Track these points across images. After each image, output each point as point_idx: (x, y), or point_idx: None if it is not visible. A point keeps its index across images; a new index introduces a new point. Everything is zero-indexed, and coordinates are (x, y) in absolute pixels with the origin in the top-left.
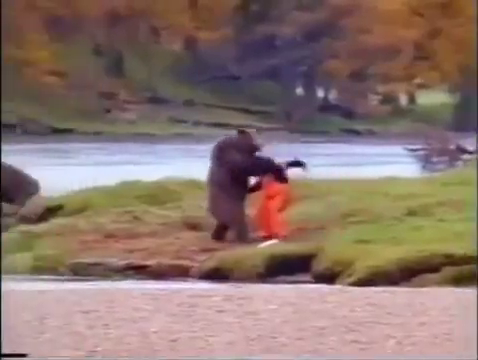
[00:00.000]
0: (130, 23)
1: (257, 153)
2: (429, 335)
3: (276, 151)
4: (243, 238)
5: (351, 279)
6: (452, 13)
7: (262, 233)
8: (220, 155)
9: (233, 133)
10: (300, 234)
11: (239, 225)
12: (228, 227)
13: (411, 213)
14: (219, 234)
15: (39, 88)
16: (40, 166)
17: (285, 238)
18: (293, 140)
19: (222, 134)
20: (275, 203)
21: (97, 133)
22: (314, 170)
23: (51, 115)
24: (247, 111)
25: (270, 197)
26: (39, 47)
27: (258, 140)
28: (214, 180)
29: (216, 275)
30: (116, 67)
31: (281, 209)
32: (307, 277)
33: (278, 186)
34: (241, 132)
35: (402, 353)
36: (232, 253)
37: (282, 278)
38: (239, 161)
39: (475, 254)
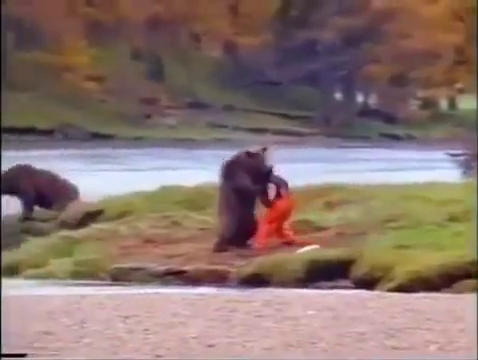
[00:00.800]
0: (170, 28)
1: (264, 172)
2: (469, 341)
3: (314, 155)
4: (218, 248)
5: (391, 285)
6: None
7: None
8: (226, 174)
9: (274, 138)
10: (340, 239)
11: (221, 236)
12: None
13: (452, 219)
14: (221, 246)
15: (78, 93)
16: (80, 171)
17: (263, 251)
18: (332, 145)
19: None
20: (267, 215)
21: (137, 138)
22: (354, 175)
23: (90, 120)
24: (286, 116)
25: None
26: (79, 52)
27: (267, 160)
28: (221, 196)
29: (255, 280)
30: (156, 72)
31: (273, 221)
32: (346, 282)
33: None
34: (248, 154)
35: (443, 359)
36: (271, 258)
37: (321, 283)
38: (242, 184)
39: None
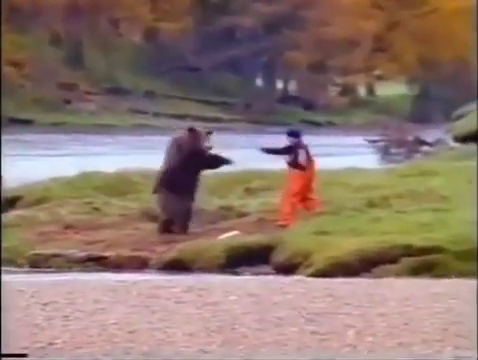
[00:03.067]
0: (90, 14)
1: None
2: (388, 325)
3: (235, 142)
4: (183, 231)
5: (311, 270)
6: (411, 5)
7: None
8: (166, 154)
9: (193, 124)
10: (261, 225)
11: (180, 218)
12: (173, 221)
13: (371, 204)
14: (165, 228)
15: None
16: None
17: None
18: (253, 131)
19: (182, 125)
20: (292, 187)
21: (57, 124)
22: (274, 162)
23: (9, 106)
24: (208, 102)
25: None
26: None
27: (206, 141)
28: (161, 175)
29: (176, 266)
30: (76, 58)
31: (299, 192)
32: (268, 268)
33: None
34: (190, 130)
35: (362, 343)
36: (192, 244)
37: (242, 269)
38: (176, 161)
39: (433, 245)
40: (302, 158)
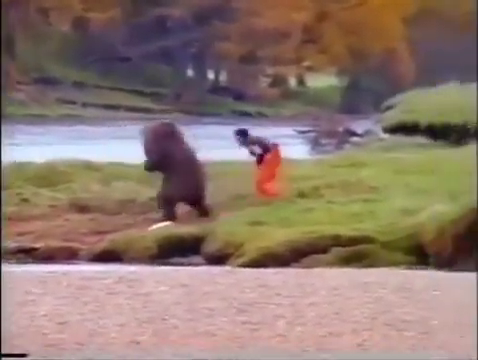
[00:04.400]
0: (19, 3)
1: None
2: (317, 315)
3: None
4: (170, 218)
5: (242, 260)
6: None
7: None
8: (142, 142)
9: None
10: (192, 216)
11: (165, 206)
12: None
13: (301, 195)
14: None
15: None
16: None
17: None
18: (186, 122)
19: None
20: (262, 175)
21: None
22: (205, 153)
23: None
24: (138, 93)
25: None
26: None
27: (179, 130)
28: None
29: (107, 257)
30: (6, 47)
31: (270, 177)
32: (199, 259)
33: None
34: (164, 122)
35: (292, 333)
36: (124, 235)
37: (174, 260)
38: (150, 151)
39: (363, 235)
40: (258, 150)
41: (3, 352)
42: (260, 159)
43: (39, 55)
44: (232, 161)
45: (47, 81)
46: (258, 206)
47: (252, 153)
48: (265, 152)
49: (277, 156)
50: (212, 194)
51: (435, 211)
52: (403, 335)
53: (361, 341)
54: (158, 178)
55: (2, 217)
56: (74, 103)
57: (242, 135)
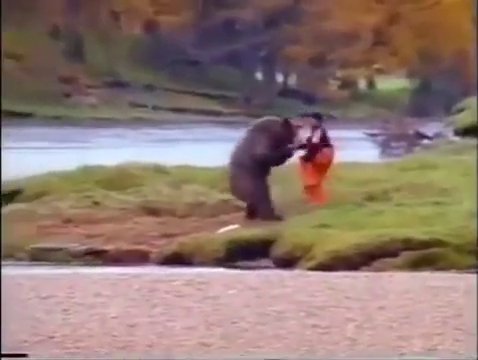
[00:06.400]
0: (90, 7)
1: (289, 145)
2: (387, 319)
3: (235, 135)
4: (268, 216)
5: (311, 264)
6: None
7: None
8: (251, 136)
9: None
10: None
11: (261, 204)
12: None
13: (370, 198)
14: (251, 213)
15: None
16: None
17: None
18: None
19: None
20: (311, 169)
21: (57, 117)
22: None
23: (8, 99)
24: (207, 96)
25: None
26: None
27: (300, 132)
28: (237, 160)
29: (176, 260)
30: (76, 51)
31: (316, 172)
32: (267, 262)
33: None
34: (284, 121)
35: (361, 337)
36: (192, 238)
37: (242, 263)
38: (264, 152)
39: (433, 238)
40: (316, 139)
41: (3, 352)
42: (312, 152)
43: (110, 59)
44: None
45: (118, 84)
46: (327, 209)
47: (309, 141)
48: (321, 147)
49: (329, 157)
50: (281, 197)
51: None
52: (474, 340)
53: (431, 345)
54: (226, 181)
55: (2, 218)
56: (145, 106)
57: (316, 118)
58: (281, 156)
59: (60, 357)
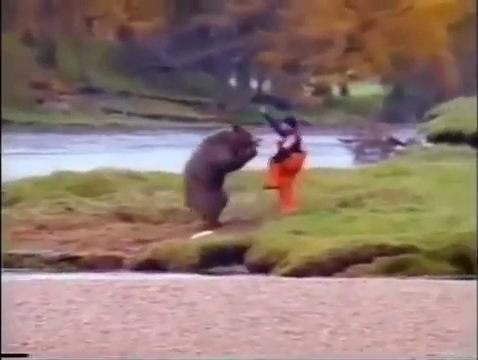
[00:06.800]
0: (63, 13)
1: (248, 150)
2: (361, 325)
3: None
4: (212, 227)
5: (285, 269)
6: (385, 5)
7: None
8: (207, 149)
9: (170, 125)
10: (235, 225)
11: (211, 214)
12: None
13: (344, 204)
14: (213, 223)
15: None
16: None
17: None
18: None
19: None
20: (274, 171)
21: (29, 123)
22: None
23: None
24: (182, 102)
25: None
26: None
27: (253, 136)
28: (193, 171)
29: (150, 266)
30: (49, 57)
31: (282, 176)
32: (242, 268)
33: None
34: (236, 128)
35: (335, 343)
36: (166, 244)
37: (217, 269)
38: (223, 158)
39: (407, 244)
40: (288, 144)
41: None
42: (281, 156)
43: (83, 65)
44: None
45: (91, 91)
46: (301, 215)
47: (280, 144)
48: (292, 151)
49: (297, 163)
50: (255, 203)
51: None
52: (447, 345)
53: (405, 351)
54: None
55: (2, 221)
56: (119, 112)
57: (291, 123)
58: (244, 159)
59: (60, 357)
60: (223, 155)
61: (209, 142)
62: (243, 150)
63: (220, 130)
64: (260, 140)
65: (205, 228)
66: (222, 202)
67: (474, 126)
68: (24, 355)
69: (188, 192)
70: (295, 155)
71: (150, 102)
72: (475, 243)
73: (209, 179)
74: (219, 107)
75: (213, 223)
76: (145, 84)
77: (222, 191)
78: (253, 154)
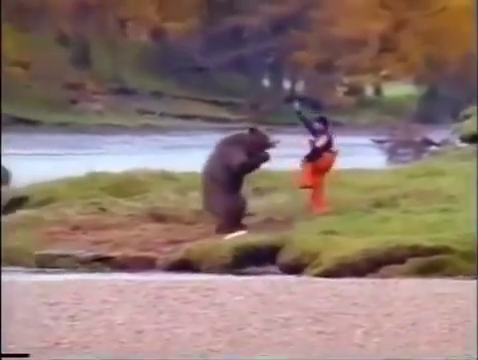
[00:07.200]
0: (97, 14)
1: (266, 151)
2: (394, 325)
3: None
4: (224, 230)
5: (318, 270)
6: (418, 5)
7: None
8: (223, 150)
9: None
10: (268, 225)
11: (228, 217)
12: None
13: (377, 205)
14: (225, 227)
15: (4, 79)
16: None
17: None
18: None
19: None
20: (308, 170)
21: (63, 124)
22: (282, 161)
23: (16, 106)
24: (215, 102)
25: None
26: (4, 37)
27: (271, 138)
28: (210, 174)
29: (183, 267)
30: (83, 58)
31: (314, 175)
32: (274, 268)
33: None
34: (252, 130)
35: (369, 344)
36: (199, 244)
37: (250, 269)
38: (239, 160)
39: (440, 245)
40: (320, 143)
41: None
42: (314, 155)
43: (117, 65)
44: None
45: (125, 91)
46: (334, 215)
47: (313, 143)
48: (324, 151)
49: (328, 162)
50: (287, 203)
51: None
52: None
53: (439, 352)
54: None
55: (2, 220)
56: (152, 113)
57: (323, 123)
58: (259, 161)
59: (61, 357)
60: (239, 157)
61: (225, 144)
62: (259, 152)
63: (235, 133)
64: (277, 141)
65: (220, 231)
66: (241, 205)
67: None
68: (25, 355)
69: (206, 194)
70: (327, 154)
71: (183, 103)
72: None
73: (226, 181)
74: (252, 107)
75: (230, 226)
76: (178, 85)
77: (240, 194)
78: (266, 158)
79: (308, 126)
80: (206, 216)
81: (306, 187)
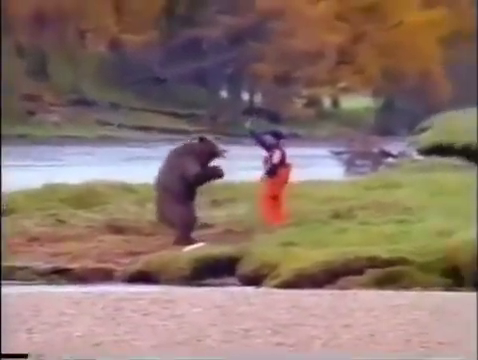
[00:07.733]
0: (55, 25)
1: (216, 160)
2: (353, 337)
3: None
4: (182, 242)
5: (276, 281)
6: (376, 18)
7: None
8: (175, 161)
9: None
10: (227, 237)
11: (182, 228)
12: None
13: (335, 216)
14: (184, 239)
15: None
16: None
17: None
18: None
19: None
20: (269, 187)
21: (21, 136)
22: (239, 173)
23: None
24: (173, 114)
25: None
26: None
27: (219, 147)
28: (163, 184)
29: (142, 278)
30: (40, 69)
31: (274, 192)
32: (233, 280)
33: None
34: (201, 139)
35: (327, 355)
36: (158, 256)
37: (209, 281)
38: (193, 170)
39: (398, 256)
40: (276, 159)
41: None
42: (271, 171)
43: (75, 77)
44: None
45: (83, 102)
46: (292, 227)
47: (267, 161)
48: (280, 165)
49: (287, 175)
50: (247, 215)
51: (470, 233)
52: (438, 357)
53: None
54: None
55: (2, 230)
56: (111, 124)
57: (276, 137)
58: (213, 175)
59: (61, 357)
60: (192, 167)
61: (176, 154)
62: (209, 161)
63: (184, 142)
64: (225, 151)
65: (177, 243)
66: (194, 217)
67: (464, 139)
68: (24, 355)
69: (160, 205)
70: (283, 169)
71: (142, 114)
72: (466, 255)
73: (181, 192)
74: (211, 119)
75: (185, 237)
76: (137, 96)
77: (194, 205)
78: (221, 175)
79: (261, 143)
80: (164, 228)
81: (269, 206)
